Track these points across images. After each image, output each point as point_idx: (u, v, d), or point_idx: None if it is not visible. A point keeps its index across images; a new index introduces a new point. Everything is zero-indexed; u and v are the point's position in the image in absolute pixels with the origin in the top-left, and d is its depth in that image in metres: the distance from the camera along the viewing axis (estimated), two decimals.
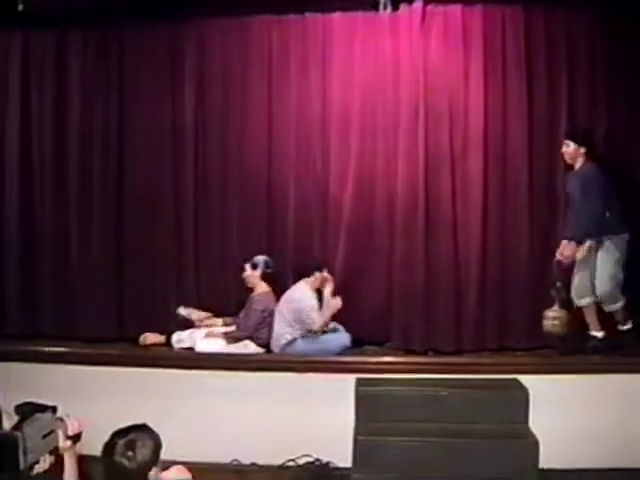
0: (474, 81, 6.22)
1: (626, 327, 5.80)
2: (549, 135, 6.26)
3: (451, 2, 6.28)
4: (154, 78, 6.58)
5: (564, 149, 5.95)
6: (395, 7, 6.24)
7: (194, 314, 6.21)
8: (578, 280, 5.84)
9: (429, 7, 6.26)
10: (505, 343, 6.16)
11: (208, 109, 6.57)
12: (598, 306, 5.81)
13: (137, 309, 6.50)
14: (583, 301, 5.82)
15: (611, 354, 5.71)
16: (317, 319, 5.90)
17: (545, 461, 4.89)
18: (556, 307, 5.90)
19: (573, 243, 5.82)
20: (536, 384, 5.28)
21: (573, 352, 5.75)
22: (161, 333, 6.20)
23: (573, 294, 5.86)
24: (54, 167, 6.64)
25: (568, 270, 5.88)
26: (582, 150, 5.87)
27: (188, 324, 6.20)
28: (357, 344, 6.12)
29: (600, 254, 5.75)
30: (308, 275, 6.06)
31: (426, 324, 6.13)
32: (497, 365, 5.71)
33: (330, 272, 6.17)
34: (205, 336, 6.05)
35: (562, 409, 5.29)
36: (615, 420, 5.25)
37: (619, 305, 5.74)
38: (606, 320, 5.80)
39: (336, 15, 6.42)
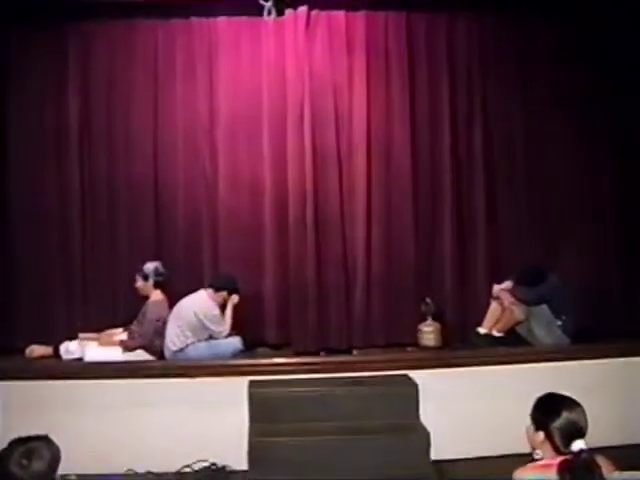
0: (358, 84, 6.41)
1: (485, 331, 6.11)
2: (430, 135, 6.53)
3: (335, 8, 6.41)
4: (38, 81, 6.42)
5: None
6: (280, 13, 6.31)
7: (92, 337, 6.04)
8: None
9: (313, 12, 6.40)
10: (393, 339, 6.34)
11: (93, 113, 6.48)
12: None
13: (24, 320, 6.30)
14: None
15: (497, 347, 5.97)
16: (224, 328, 5.95)
17: (437, 452, 5.04)
18: (429, 321, 6.16)
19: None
20: (425, 379, 5.44)
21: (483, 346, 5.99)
22: (48, 344, 6.02)
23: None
24: None
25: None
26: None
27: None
28: (251, 347, 6.14)
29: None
30: (215, 289, 6.01)
31: (319, 324, 6.23)
32: (387, 362, 5.83)
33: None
34: (99, 344, 5.94)
35: (451, 402, 5.46)
36: (502, 410, 5.45)
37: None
38: None
39: (221, 20, 6.45)
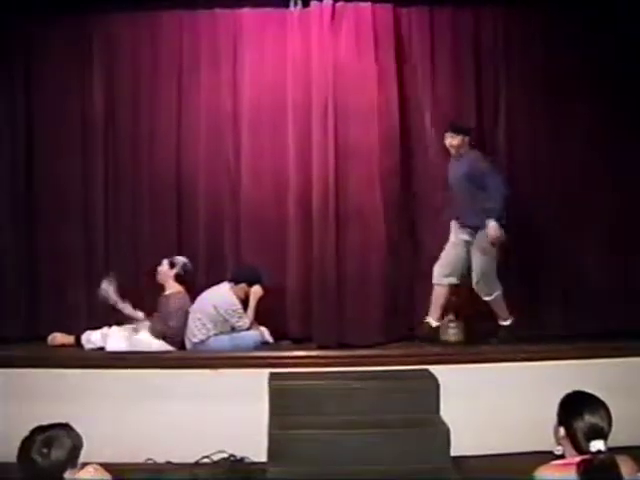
0: (383, 78, 6.32)
1: (506, 323, 6.02)
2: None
3: (361, 0, 6.36)
4: (62, 72, 6.42)
5: (450, 142, 5.93)
6: (305, 4, 6.29)
7: (113, 296, 5.96)
8: (446, 259, 6.00)
9: (339, 4, 6.33)
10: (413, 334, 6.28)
11: (118, 104, 6.48)
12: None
13: (47, 308, 6.34)
14: (446, 280, 5.99)
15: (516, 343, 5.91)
16: (245, 321, 5.98)
17: (457, 448, 5.01)
18: (452, 316, 6.12)
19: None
20: (446, 374, 5.41)
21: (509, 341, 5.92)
22: (70, 333, 6.06)
23: (439, 272, 6.01)
24: None
25: None
26: (467, 139, 5.93)
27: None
28: (273, 339, 6.14)
29: (473, 249, 5.90)
30: (235, 281, 6.03)
31: (341, 318, 6.19)
32: (407, 356, 5.81)
33: None
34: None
35: (472, 398, 5.44)
36: (523, 407, 5.42)
37: (496, 295, 5.91)
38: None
39: (246, 11, 6.42)
